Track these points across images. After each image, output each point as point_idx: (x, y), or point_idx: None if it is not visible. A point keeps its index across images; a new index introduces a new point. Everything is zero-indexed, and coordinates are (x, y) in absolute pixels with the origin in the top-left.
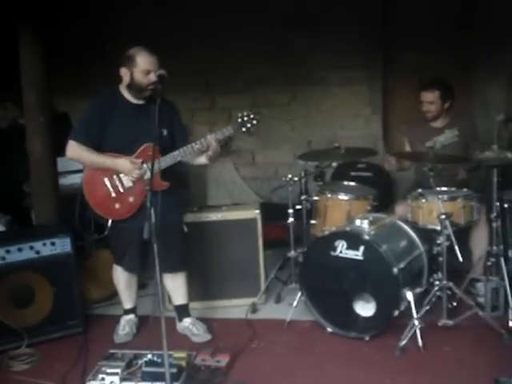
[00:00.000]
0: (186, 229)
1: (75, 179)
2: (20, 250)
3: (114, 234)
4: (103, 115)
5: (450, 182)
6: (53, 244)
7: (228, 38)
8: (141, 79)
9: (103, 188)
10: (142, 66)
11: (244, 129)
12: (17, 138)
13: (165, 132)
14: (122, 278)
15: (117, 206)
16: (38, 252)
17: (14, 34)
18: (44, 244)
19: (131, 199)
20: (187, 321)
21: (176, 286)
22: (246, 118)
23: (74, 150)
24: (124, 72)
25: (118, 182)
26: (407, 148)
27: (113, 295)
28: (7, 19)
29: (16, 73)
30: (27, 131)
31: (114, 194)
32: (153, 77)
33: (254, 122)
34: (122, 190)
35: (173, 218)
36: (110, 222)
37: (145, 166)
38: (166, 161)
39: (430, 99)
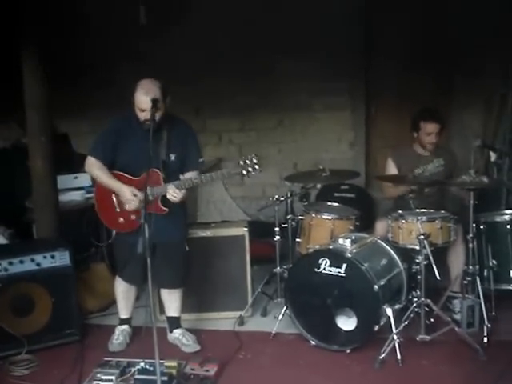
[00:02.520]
0: (187, 248)
1: (74, 196)
2: (22, 262)
3: (117, 246)
4: (117, 135)
5: (428, 204)
6: (53, 257)
7: (215, 63)
8: (139, 114)
9: (110, 202)
10: (137, 104)
11: (245, 172)
12: (20, 156)
13: (172, 157)
14: (120, 288)
15: (120, 220)
16: (38, 264)
17: (17, 60)
18: (44, 257)
19: (133, 217)
20: (177, 332)
21: (171, 300)
22: (248, 162)
23: (91, 165)
24: (132, 103)
25: (123, 200)
26: (393, 170)
27: (108, 306)
28: (11, 46)
29: (19, 96)
30: (30, 150)
31: (118, 209)
32: (147, 115)
33: (256, 167)
34: (125, 207)
35: (174, 238)
36: (114, 232)
37: (141, 196)
38: (159, 190)
39: (437, 130)
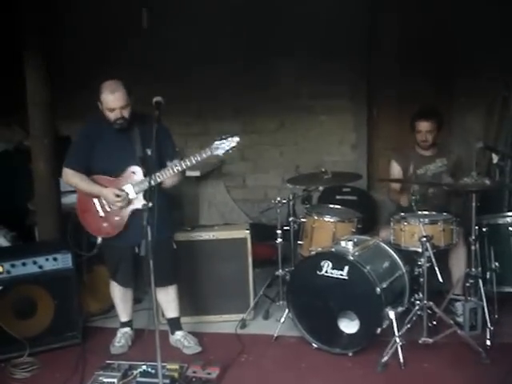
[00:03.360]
0: (175, 246)
1: (76, 198)
2: (24, 264)
3: (106, 251)
4: (90, 141)
5: (431, 206)
6: (55, 259)
7: (216, 66)
8: (108, 115)
9: (92, 207)
10: (106, 105)
11: (222, 151)
12: (22, 158)
13: (149, 152)
14: (117, 293)
15: (104, 224)
16: (40, 267)
17: (19, 62)
18: (47, 259)
19: (117, 218)
20: (179, 334)
21: (168, 300)
22: (224, 141)
23: (67, 176)
24: (99, 104)
25: (105, 202)
26: (396, 171)
27: (110, 309)
28: (13, 48)
29: (21, 98)
30: (32, 153)
31: (102, 214)
32: (117, 113)
33: (233, 144)
34: (108, 210)
35: (163, 235)
36: (99, 239)
37: (125, 194)
38: (140, 187)
39: (428, 128)
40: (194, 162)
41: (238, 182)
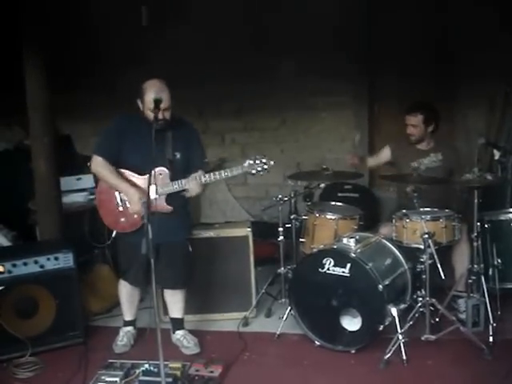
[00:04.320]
0: (190, 249)
1: (77, 198)
2: (25, 264)
3: (120, 248)
4: (120, 134)
5: (432, 202)
6: (56, 259)
7: (217, 64)
8: (148, 115)
9: (113, 201)
10: (149, 105)
11: (254, 171)
12: (22, 158)
13: (178, 155)
14: (124, 291)
15: (122, 219)
16: (42, 266)
17: (19, 62)
18: (48, 259)
19: (136, 216)
20: (179, 333)
21: (174, 301)
22: (257, 162)
23: (97, 164)
24: (139, 103)
25: (126, 199)
26: (384, 153)
27: (112, 308)
28: (13, 47)
29: (21, 97)
30: (32, 152)
31: (121, 208)
32: (160, 114)
33: (266, 167)
34: (128, 206)
35: (178, 238)
36: (114, 233)
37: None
38: (173, 187)
39: (414, 122)
40: (223, 176)
41: (239, 180)
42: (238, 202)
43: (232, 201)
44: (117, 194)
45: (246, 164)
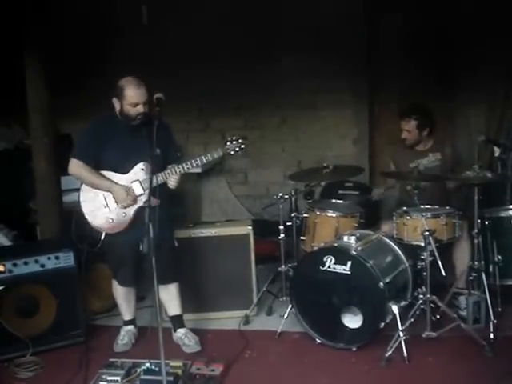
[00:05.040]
0: (176, 243)
1: (77, 197)
2: (26, 263)
3: (109, 249)
4: (100, 136)
5: (432, 200)
6: (57, 258)
7: (217, 62)
8: (129, 110)
9: (98, 202)
10: (130, 100)
11: (232, 152)
12: (23, 158)
13: (158, 151)
14: (119, 292)
15: (110, 220)
16: (42, 265)
17: (19, 61)
18: (48, 258)
19: (123, 215)
20: (180, 331)
21: (169, 298)
22: (234, 142)
23: (76, 168)
24: (115, 101)
25: (112, 198)
26: (392, 168)
27: (113, 307)
28: (13, 47)
29: (21, 97)
30: (33, 151)
31: (107, 209)
32: (140, 108)
33: (242, 146)
34: (115, 206)
35: (164, 232)
36: (103, 235)
37: (134, 193)
38: (157, 180)
39: (407, 128)
40: (204, 161)
41: (239, 178)
42: (239, 201)
43: (233, 199)
44: (101, 194)
45: (223, 146)
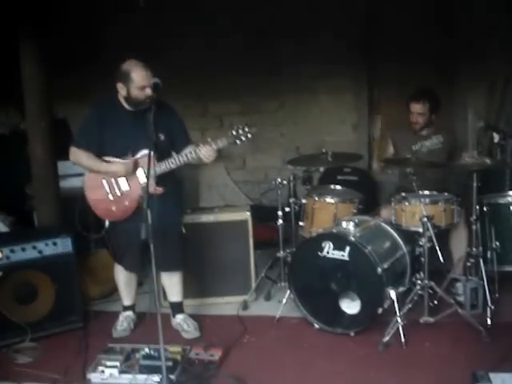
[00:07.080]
0: (184, 230)
1: (75, 182)
2: (23, 249)
3: (113, 235)
4: (101, 122)
5: (431, 185)
6: (55, 244)
7: (216, 47)
8: (137, 94)
9: (102, 190)
10: (139, 83)
11: (238, 141)
12: (19, 142)
13: (162, 137)
14: (121, 277)
15: (113, 208)
16: (40, 252)
17: (15, 44)
18: (46, 244)
19: (127, 202)
20: (179, 317)
21: (172, 284)
22: (240, 131)
23: (75, 155)
24: (120, 87)
25: (115, 185)
26: (390, 150)
27: (111, 292)
28: (8, 30)
29: (16, 81)
30: (29, 136)
31: (111, 197)
32: (149, 91)
33: (249, 135)
34: (118, 194)
35: (172, 220)
36: (107, 222)
37: (130, 163)
38: (161, 168)
39: (420, 110)
40: (214, 147)
41: (238, 164)
42: (237, 186)
43: (231, 185)
44: (104, 182)
45: (230, 135)
